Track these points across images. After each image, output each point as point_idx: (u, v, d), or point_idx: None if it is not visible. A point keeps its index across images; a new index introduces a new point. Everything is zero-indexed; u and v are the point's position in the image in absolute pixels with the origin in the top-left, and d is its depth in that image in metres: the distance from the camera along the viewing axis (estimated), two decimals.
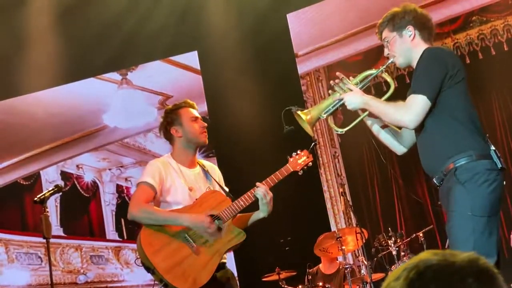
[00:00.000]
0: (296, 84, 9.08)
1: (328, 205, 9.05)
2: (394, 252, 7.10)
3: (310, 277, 7.34)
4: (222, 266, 4.45)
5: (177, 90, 9.48)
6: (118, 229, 9.33)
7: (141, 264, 4.33)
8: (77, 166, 9.54)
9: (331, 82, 3.92)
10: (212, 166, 4.79)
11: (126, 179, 9.59)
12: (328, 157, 9.23)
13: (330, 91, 3.98)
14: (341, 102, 3.83)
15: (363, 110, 3.85)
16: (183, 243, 4.27)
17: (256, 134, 8.38)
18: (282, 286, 7.18)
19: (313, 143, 4.64)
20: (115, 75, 9.47)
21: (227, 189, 4.68)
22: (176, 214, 4.32)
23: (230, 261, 5.63)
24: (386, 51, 3.90)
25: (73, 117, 9.45)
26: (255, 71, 8.74)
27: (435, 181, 3.64)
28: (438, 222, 8.32)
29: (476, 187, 3.42)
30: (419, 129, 3.67)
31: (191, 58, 9.27)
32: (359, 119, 3.92)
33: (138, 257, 4.35)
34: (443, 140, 3.57)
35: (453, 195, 3.46)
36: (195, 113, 4.65)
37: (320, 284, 7.16)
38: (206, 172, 4.61)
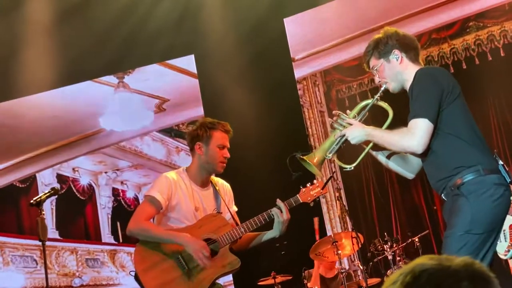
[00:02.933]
0: (292, 88, 9.08)
1: (324, 210, 9.05)
2: (390, 257, 7.10)
3: (306, 280, 7.35)
4: (212, 284, 4.43)
5: (174, 94, 9.48)
6: (114, 232, 9.32)
7: (134, 277, 4.34)
8: (73, 169, 9.53)
9: (328, 120, 3.91)
10: (223, 184, 4.75)
11: (122, 182, 9.58)
12: (324, 162, 9.22)
13: (331, 130, 3.95)
14: (343, 138, 3.79)
15: (367, 143, 3.81)
16: (175, 264, 4.26)
17: (253, 138, 8.38)
18: None
19: (330, 176, 4.64)
20: (112, 78, 9.47)
21: (235, 209, 4.65)
22: (173, 233, 4.31)
23: None
24: (377, 79, 3.87)
25: (70, 120, 9.44)
26: (252, 75, 8.75)
27: (443, 197, 3.62)
28: (434, 227, 8.33)
29: (480, 200, 3.39)
30: (424, 150, 3.63)
31: (188, 62, 9.27)
32: (364, 152, 3.89)
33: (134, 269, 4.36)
34: (448, 158, 3.54)
35: (455, 207, 3.44)
36: (226, 141, 4.59)
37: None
38: (216, 192, 4.58)
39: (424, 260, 1.32)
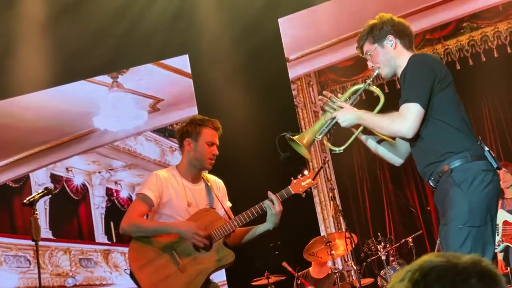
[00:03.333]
0: (287, 88, 9.09)
1: (318, 210, 9.05)
2: (383, 257, 7.11)
3: (299, 281, 7.35)
4: (206, 279, 4.44)
5: (168, 94, 9.48)
6: (108, 232, 9.31)
7: (129, 275, 4.34)
8: (67, 168, 9.51)
9: (319, 102, 3.90)
10: (216, 181, 4.75)
11: (116, 182, 9.57)
12: (318, 162, 9.24)
13: (321, 112, 3.95)
14: (334, 121, 3.78)
15: (357, 127, 3.81)
16: (170, 260, 4.26)
17: (247, 138, 8.38)
18: None
19: (320, 167, 4.63)
20: (106, 78, 9.46)
21: (229, 205, 4.66)
22: (166, 223, 4.32)
23: None
24: (370, 64, 3.88)
25: (63, 119, 9.43)
26: (246, 75, 8.75)
27: (430, 183, 3.63)
28: (427, 228, 8.35)
29: (472, 189, 3.40)
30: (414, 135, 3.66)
31: (182, 62, 9.27)
32: (354, 135, 3.88)
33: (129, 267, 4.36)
34: (436, 143, 3.56)
35: (450, 198, 3.44)
36: (215, 138, 4.60)
37: None
38: (209, 188, 4.59)
39: (431, 257, 1.33)
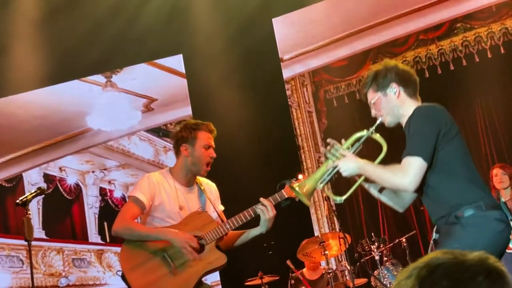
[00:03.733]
0: (281, 88, 9.09)
1: (312, 210, 9.05)
2: (377, 257, 7.12)
3: (293, 281, 7.35)
4: (198, 281, 4.43)
5: (162, 93, 9.47)
6: (101, 232, 9.29)
7: (121, 277, 4.33)
8: (60, 168, 9.49)
9: (322, 149, 3.87)
10: (208, 184, 4.74)
11: (109, 182, 9.55)
12: (312, 162, 9.24)
13: (323, 160, 3.92)
14: (335, 170, 3.73)
15: (359, 175, 3.76)
16: (161, 262, 4.25)
17: (241, 138, 8.38)
18: None
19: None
20: (99, 78, 9.44)
21: (221, 208, 4.65)
22: (158, 230, 4.32)
23: None
24: (373, 112, 3.80)
25: (57, 119, 9.41)
26: (240, 75, 8.75)
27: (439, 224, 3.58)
28: (421, 228, 8.35)
29: (479, 230, 3.36)
30: (422, 187, 3.58)
31: (176, 62, 9.26)
32: (356, 185, 3.82)
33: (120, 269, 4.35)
34: (448, 195, 3.50)
35: (453, 233, 3.40)
36: (211, 141, 4.59)
37: None
38: (201, 191, 4.59)
39: (438, 254, 1.33)
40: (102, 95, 9.47)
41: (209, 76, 8.93)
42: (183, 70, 9.22)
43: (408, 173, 3.45)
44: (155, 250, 4.28)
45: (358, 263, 7.42)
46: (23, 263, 9.03)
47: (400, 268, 6.97)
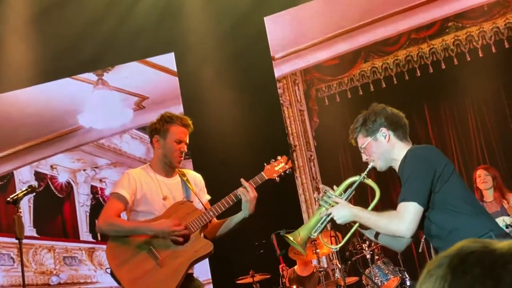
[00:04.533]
0: (272, 87, 9.09)
1: (303, 208, 9.06)
2: (368, 256, 7.12)
3: (284, 279, 7.36)
4: (189, 277, 4.44)
5: (153, 92, 9.46)
6: (92, 230, 9.28)
7: (110, 274, 4.33)
8: (51, 166, 9.47)
9: (315, 196, 3.88)
10: (193, 175, 4.77)
11: (100, 180, 9.54)
12: (304, 161, 9.25)
13: (316, 207, 3.93)
14: (329, 217, 3.74)
15: (354, 222, 3.76)
16: (148, 256, 4.26)
17: (233, 136, 8.38)
18: None
19: (292, 149, 4.63)
20: (91, 76, 9.43)
21: (207, 198, 4.66)
22: (142, 224, 4.32)
23: (204, 263, 5.59)
24: (364, 157, 3.81)
25: (48, 117, 9.39)
26: (232, 74, 8.75)
27: None
28: None
29: None
30: (429, 227, 3.57)
31: (168, 60, 9.25)
32: (351, 232, 3.85)
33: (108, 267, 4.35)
34: (458, 230, 3.45)
35: None
36: (185, 135, 4.61)
37: (294, 287, 7.17)
38: (184, 182, 4.60)
39: (468, 243, 1.33)
40: (94, 93, 9.45)
41: (200, 74, 8.93)
42: (174, 68, 9.21)
43: (404, 219, 3.43)
44: (140, 244, 4.29)
45: (350, 262, 7.43)
46: (14, 261, 9.01)
47: (391, 267, 6.99)
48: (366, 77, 8.82)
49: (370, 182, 3.86)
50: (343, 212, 3.68)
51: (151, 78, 9.47)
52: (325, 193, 3.79)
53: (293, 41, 9.20)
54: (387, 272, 6.94)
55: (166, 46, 9.22)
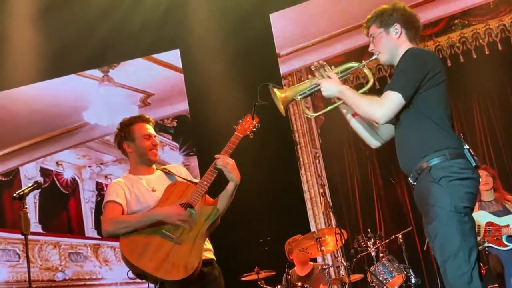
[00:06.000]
0: (277, 84, 9.05)
1: (308, 206, 9.06)
2: (373, 253, 7.12)
3: (289, 276, 7.36)
4: (210, 262, 4.47)
5: (159, 88, 9.46)
6: (97, 226, 9.29)
7: (133, 276, 4.33)
8: (57, 162, 9.49)
9: (312, 66, 3.92)
10: (174, 166, 4.85)
11: (106, 177, 9.55)
12: (309, 158, 9.24)
13: (309, 76, 3.98)
14: (317, 87, 3.85)
15: (338, 98, 3.86)
16: (163, 239, 4.26)
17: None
18: (261, 285, 7.17)
19: (253, 106, 4.68)
20: (96, 72, 9.44)
21: (196, 180, 4.68)
22: (147, 212, 4.34)
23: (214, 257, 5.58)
24: (371, 47, 3.90)
25: (54, 113, 9.40)
26: (237, 70, 8.74)
27: (410, 180, 3.68)
28: (417, 224, 8.36)
29: (452, 185, 3.45)
30: (397, 126, 3.71)
31: (173, 56, 9.25)
32: (332, 106, 3.96)
33: (129, 269, 4.35)
34: (418, 139, 3.60)
35: (430, 194, 3.48)
36: (150, 129, 4.70)
37: (299, 284, 7.17)
38: (167, 173, 4.65)
39: None
40: (99, 89, 9.46)
41: (206, 71, 8.92)
42: (180, 65, 9.21)
43: (384, 105, 3.56)
44: (151, 231, 4.30)
45: (354, 259, 7.42)
46: (19, 257, 9.04)
47: (396, 265, 6.98)
48: (378, 71, 8.80)
49: (367, 71, 3.95)
50: (331, 86, 3.80)
51: (157, 75, 9.48)
52: (323, 66, 3.89)
53: (299, 38, 9.20)
54: (392, 269, 6.93)
55: (172, 43, 9.22)
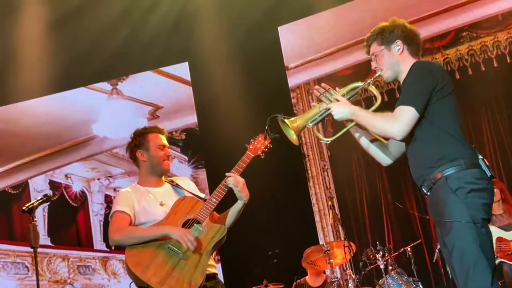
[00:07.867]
0: (286, 96, 9.10)
1: (317, 218, 9.05)
2: (382, 266, 7.10)
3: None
4: (213, 276, 4.46)
5: (167, 101, 9.49)
6: (106, 239, 9.28)
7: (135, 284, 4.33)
8: (66, 175, 9.51)
9: (316, 92, 3.92)
10: (183, 179, 4.86)
11: (114, 189, 9.56)
12: (318, 170, 9.24)
13: (316, 102, 3.98)
14: (327, 112, 3.82)
15: (350, 122, 3.86)
16: (168, 254, 4.27)
17: (245, 146, 8.38)
18: None
19: (266, 126, 4.66)
20: (105, 85, 9.47)
21: (202, 195, 4.69)
22: (155, 228, 4.35)
23: (218, 273, 5.58)
24: (373, 65, 3.92)
25: (63, 126, 9.44)
26: (246, 83, 8.76)
27: (423, 190, 3.66)
28: (426, 237, 8.33)
29: (469, 197, 3.43)
30: (409, 139, 3.69)
31: (182, 69, 9.28)
32: (345, 129, 3.93)
33: (132, 281, 4.35)
34: (432, 150, 3.59)
35: (447, 204, 3.46)
36: (164, 140, 4.71)
37: None
38: (175, 186, 4.66)
39: None
40: (108, 102, 9.49)
41: (214, 84, 8.95)
42: (188, 78, 9.24)
43: (399, 121, 3.55)
44: (158, 245, 4.31)
45: (363, 272, 7.40)
46: (28, 270, 9.05)
47: (405, 277, 6.96)
48: (380, 87, 8.78)
49: (373, 89, 3.96)
50: (342, 108, 3.78)
51: (165, 88, 9.50)
52: (328, 90, 3.88)
53: (307, 51, 9.21)
54: (401, 282, 6.91)
55: (180, 56, 9.25)
